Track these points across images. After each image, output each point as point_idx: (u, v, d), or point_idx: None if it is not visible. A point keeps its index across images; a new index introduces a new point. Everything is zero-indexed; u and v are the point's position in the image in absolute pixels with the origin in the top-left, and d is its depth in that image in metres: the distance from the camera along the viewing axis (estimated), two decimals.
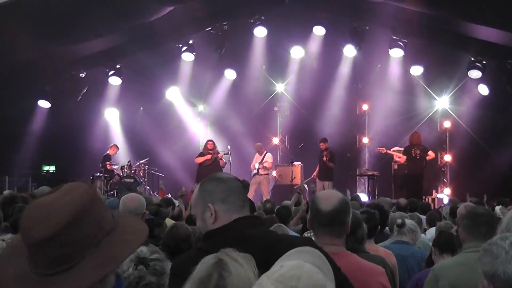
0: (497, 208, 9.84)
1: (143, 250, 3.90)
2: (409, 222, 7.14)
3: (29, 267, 2.17)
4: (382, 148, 20.23)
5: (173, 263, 3.50)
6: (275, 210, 10.54)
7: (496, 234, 3.48)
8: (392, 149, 20.12)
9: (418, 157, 18.86)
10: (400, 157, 19.59)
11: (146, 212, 6.34)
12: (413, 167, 18.90)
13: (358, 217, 5.27)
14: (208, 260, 2.29)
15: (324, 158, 19.59)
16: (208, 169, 19.89)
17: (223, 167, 19.98)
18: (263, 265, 2.18)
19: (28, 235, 2.13)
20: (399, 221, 6.89)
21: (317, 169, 20.16)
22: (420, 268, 6.08)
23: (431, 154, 19.23)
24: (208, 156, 19.95)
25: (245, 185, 12.50)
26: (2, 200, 8.52)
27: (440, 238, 6.27)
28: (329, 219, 3.86)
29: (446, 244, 6.11)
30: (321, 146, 19.91)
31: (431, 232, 9.23)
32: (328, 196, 3.97)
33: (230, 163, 19.97)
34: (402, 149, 19.56)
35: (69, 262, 2.14)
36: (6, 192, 11.09)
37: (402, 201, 12.06)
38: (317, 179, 20.08)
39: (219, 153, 20.09)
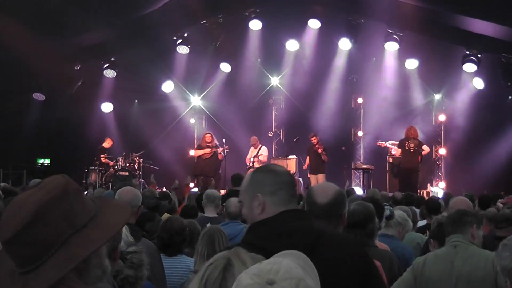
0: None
1: (121, 244, 3.88)
2: (398, 214, 7.08)
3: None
4: (382, 142, 20.25)
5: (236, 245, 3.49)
6: None
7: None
8: (387, 142, 20.16)
9: (411, 150, 18.91)
10: (396, 150, 19.66)
11: (142, 206, 6.31)
12: (406, 160, 18.99)
13: (370, 210, 5.22)
14: (218, 259, 2.28)
15: (320, 151, 19.63)
16: (206, 162, 19.94)
17: (221, 161, 19.99)
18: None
19: (0, 233, 2.11)
20: (387, 212, 6.85)
21: (307, 162, 20.24)
22: (399, 266, 5.88)
23: (425, 149, 19.26)
24: (207, 150, 19.95)
25: (239, 178, 12.52)
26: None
27: (439, 231, 6.24)
28: (326, 211, 3.83)
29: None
30: (313, 140, 19.95)
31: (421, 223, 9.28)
32: (324, 188, 3.95)
33: (225, 156, 19.97)
34: (397, 142, 19.62)
35: (36, 261, 2.10)
36: (1, 184, 11.09)
37: (398, 194, 12.10)
38: (309, 174, 20.15)
39: (218, 147, 20.07)
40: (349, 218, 4.31)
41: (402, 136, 19.29)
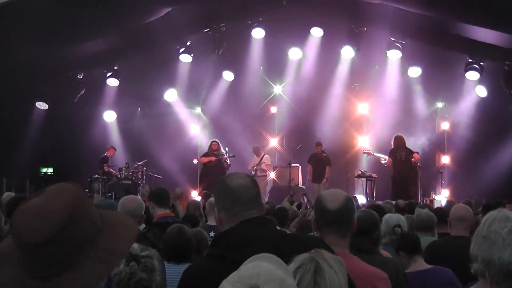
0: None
1: (134, 247, 3.92)
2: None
3: (24, 273, 2.13)
4: (369, 152, 20.36)
5: (184, 272, 3.49)
6: (273, 211, 10.56)
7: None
8: (375, 153, 20.29)
9: (403, 159, 19.09)
10: (385, 160, 19.69)
11: (144, 216, 6.31)
12: (398, 169, 19.20)
13: (375, 218, 5.21)
14: (306, 262, 2.28)
15: (324, 159, 19.75)
16: (212, 170, 19.97)
17: (227, 169, 19.98)
18: None
19: (23, 239, 2.09)
20: (397, 229, 6.86)
21: (309, 171, 20.30)
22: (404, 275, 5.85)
23: (416, 156, 19.33)
24: (213, 158, 19.97)
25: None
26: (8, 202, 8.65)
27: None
28: (337, 217, 3.81)
29: None
30: (318, 150, 20.01)
31: None
32: (334, 194, 3.93)
33: (229, 164, 19.99)
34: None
35: (66, 263, 2.11)
36: (6, 194, 11.10)
37: (401, 202, 12.08)
38: (311, 182, 20.19)
39: (223, 155, 20.07)
40: None
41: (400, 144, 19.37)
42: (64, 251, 2.11)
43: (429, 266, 6.01)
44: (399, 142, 19.32)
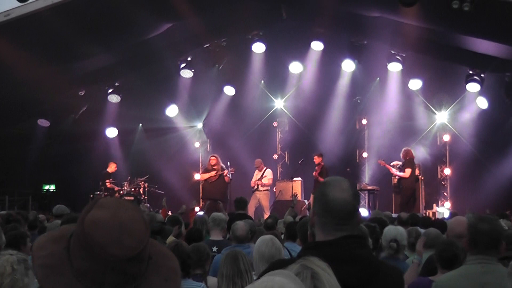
0: (502, 222, 9.82)
1: None
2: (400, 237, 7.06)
3: (84, 284, 2.11)
4: (383, 162, 20.17)
5: (273, 262, 3.39)
6: (276, 225, 10.55)
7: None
8: (391, 164, 20.08)
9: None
10: (397, 171, 19.59)
11: None
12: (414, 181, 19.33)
13: (363, 231, 5.24)
14: (301, 270, 2.30)
15: (314, 173, 19.56)
16: (212, 185, 19.88)
17: (229, 183, 19.95)
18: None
19: (109, 253, 2.07)
20: (393, 244, 6.85)
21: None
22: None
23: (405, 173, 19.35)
24: (213, 173, 19.92)
25: (242, 202, 12.50)
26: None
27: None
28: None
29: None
30: (314, 160, 19.91)
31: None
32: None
33: (231, 179, 19.95)
34: (398, 163, 19.65)
35: (140, 278, 2.14)
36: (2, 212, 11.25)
37: (404, 215, 12.06)
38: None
39: (224, 169, 20.04)
40: None
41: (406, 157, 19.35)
42: (140, 267, 2.13)
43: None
44: (409, 155, 19.33)
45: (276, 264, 3.23)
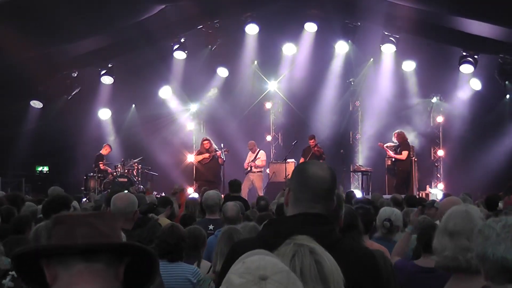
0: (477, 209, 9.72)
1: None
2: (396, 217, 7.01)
3: None
4: (381, 144, 20.13)
5: (235, 244, 3.49)
6: (269, 207, 10.49)
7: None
8: (385, 145, 20.06)
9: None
10: (395, 155, 19.61)
11: (138, 212, 6.23)
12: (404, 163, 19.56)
13: (352, 209, 5.21)
14: (299, 249, 2.27)
15: (318, 153, 19.60)
16: (206, 167, 19.94)
17: (222, 165, 19.96)
18: None
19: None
20: (386, 223, 6.81)
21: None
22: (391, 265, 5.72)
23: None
24: (206, 155, 19.90)
25: (236, 184, 12.46)
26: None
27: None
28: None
29: None
30: (311, 143, 19.91)
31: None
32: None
33: (224, 160, 19.92)
34: (392, 145, 19.68)
35: None
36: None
37: (398, 196, 12.01)
38: None
39: (217, 151, 19.99)
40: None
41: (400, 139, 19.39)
42: None
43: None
44: (403, 137, 19.39)
45: (240, 244, 3.24)
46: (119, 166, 20.18)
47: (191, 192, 19.86)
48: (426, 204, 8.11)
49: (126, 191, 8.79)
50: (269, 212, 9.63)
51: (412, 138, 20.34)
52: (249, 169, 20.32)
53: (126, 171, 20.17)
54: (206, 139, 20.34)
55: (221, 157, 19.89)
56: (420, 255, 5.56)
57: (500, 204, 10.20)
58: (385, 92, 21.48)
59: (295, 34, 21.43)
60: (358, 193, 18.21)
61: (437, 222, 6.71)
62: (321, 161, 19.46)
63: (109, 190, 18.91)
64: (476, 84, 20.40)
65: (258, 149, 20.82)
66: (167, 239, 5.92)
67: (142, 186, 20.06)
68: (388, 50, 20.64)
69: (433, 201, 8.71)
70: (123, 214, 5.86)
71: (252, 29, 21.03)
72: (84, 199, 17.42)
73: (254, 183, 20.22)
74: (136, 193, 11.58)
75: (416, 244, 5.93)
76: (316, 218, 3.12)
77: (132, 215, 5.93)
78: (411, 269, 5.34)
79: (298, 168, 3.35)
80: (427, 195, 19.60)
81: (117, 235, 2.36)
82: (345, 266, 2.44)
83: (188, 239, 6.17)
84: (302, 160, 20.17)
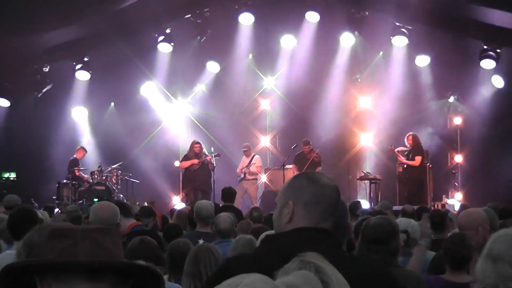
0: None
1: None
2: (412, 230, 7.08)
3: None
4: (391, 148, 20.07)
5: (229, 259, 3.58)
6: (263, 218, 10.54)
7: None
8: (396, 149, 20.03)
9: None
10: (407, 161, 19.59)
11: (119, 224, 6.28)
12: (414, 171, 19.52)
13: (393, 225, 5.17)
14: (302, 267, 2.32)
15: (317, 160, 19.61)
16: (195, 174, 19.84)
17: (212, 171, 19.90)
18: None
19: None
20: (402, 235, 6.88)
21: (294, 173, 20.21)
22: None
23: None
24: (195, 160, 19.84)
25: (230, 193, 12.49)
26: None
27: None
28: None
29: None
30: (304, 149, 19.93)
31: None
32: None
33: (214, 166, 19.89)
34: (404, 149, 19.65)
35: None
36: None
37: (409, 207, 12.05)
38: None
39: (207, 156, 19.96)
40: (370, 233, 4.24)
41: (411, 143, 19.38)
42: None
43: None
44: (416, 141, 19.38)
45: (234, 261, 3.29)
46: (96, 172, 20.15)
47: (177, 202, 19.90)
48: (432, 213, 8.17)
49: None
50: (263, 224, 9.64)
51: (426, 141, 20.36)
52: (242, 176, 20.31)
53: (103, 178, 20.13)
54: (197, 142, 20.26)
55: (211, 163, 19.88)
56: (440, 268, 5.64)
57: None
58: (396, 90, 21.47)
59: (294, 24, 21.42)
60: (366, 204, 18.22)
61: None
62: (318, 168, 19.56)
63: (84, 200, 19.01)
64: (498, 82, 20.43)
65: (253, 154, 20.82)
66: (140, 254, 5.90)
67: (121, 195, 20.08)
68: (400, 43, 20.67)
69: (447, 211, 8.77)
70: (105, 225, 5.86)
71: (246, 19, 21.04)
72: (57, 210, 17.40)
73: (248, 192, 20.22)
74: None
75: (437, 258, 6.04)
76: (322, 234, 3.16)
77: (115, 227, 5.97)
78: (443, 285, 5.41)
79: (308, 179, 3.29)
80: (443, 205, 19.62)
81: (122, 253, 2.36)
82: (355, 284, 2.49)
83: (172, 253, 6.17)
84: (294, 167, 20.14)
